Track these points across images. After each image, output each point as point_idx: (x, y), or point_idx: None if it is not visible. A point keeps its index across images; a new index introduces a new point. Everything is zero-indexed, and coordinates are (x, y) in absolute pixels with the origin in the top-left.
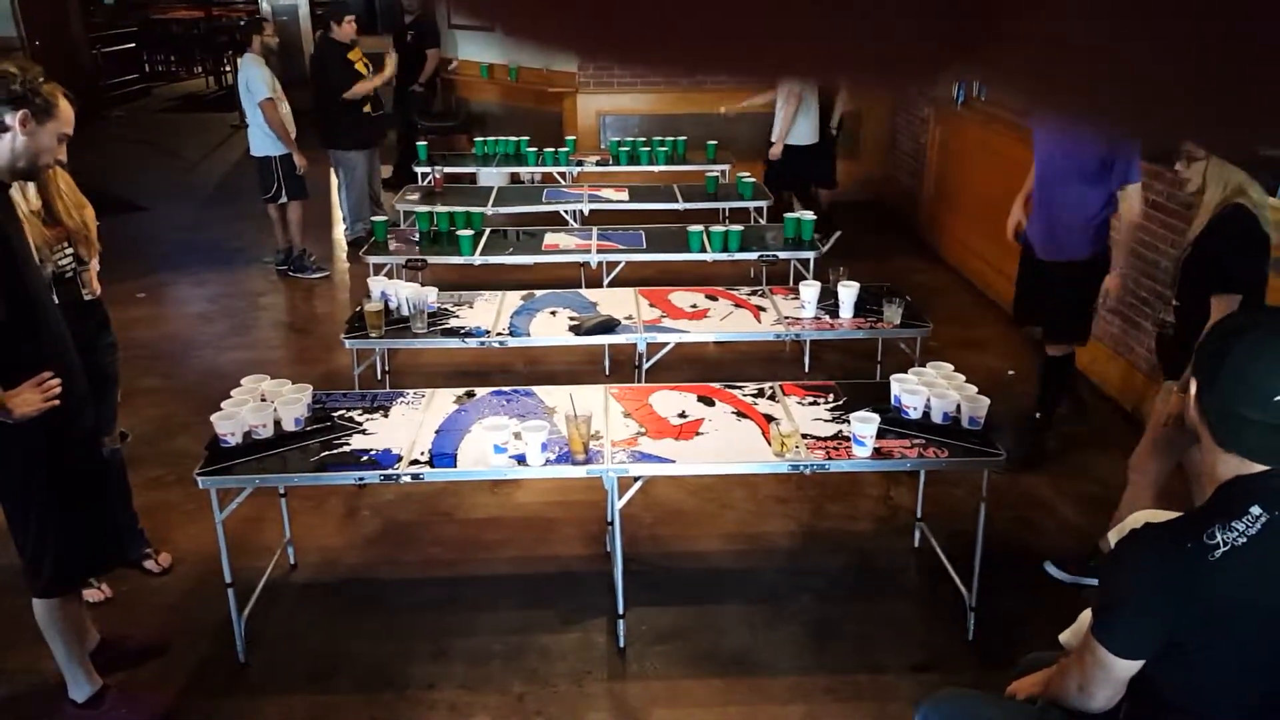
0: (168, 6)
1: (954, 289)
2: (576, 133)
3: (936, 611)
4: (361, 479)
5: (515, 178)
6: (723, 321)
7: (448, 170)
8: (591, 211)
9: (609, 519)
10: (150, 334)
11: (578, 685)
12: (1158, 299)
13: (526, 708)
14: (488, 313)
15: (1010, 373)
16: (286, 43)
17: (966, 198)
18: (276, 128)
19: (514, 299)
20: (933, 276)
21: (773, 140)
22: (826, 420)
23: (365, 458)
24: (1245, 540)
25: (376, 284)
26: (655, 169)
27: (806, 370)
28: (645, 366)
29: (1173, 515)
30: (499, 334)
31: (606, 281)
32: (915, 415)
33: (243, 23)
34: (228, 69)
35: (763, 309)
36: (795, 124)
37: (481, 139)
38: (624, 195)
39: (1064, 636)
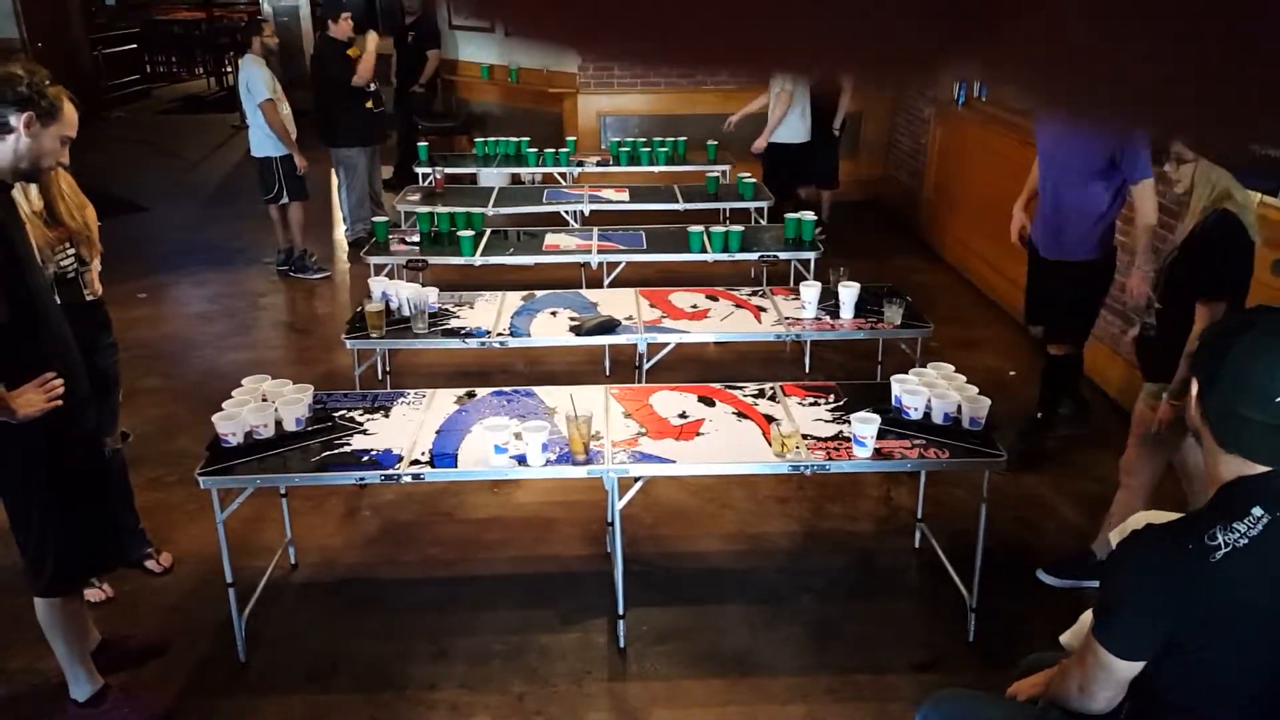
0: (169, 7)
1: (954, 289)
2: (577, 133)
3: (937, 612)
4: (362, 479)
5: (516, 178)
6: (723, 322)
7: (448, 171)
8: (592, 212)
9: (609, 519)
10: (151, 334)
11: (578, 685)
12: None
13: (526, 708)
14: (488, 313)
15: (1011, 373)
16: (287, 43)
17: (967, 198)
18: (277, 129)
19: (514, 299)
20: (933, 277)
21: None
22: (827, 421)
23: (366, 458)
24: (1246, 541)
25: (377, 284)
26: (656, 169)
27: (807, 371)
28: (646, 367)
29: (1174, 516)
30: (499, 334)
31: (607, 282)
32: (916, 416)
33: (244, 23)
34: (229, 70)
35: (763, 309)
36: (784, 122)
37: (482, 139)
38: (624, 196)
39: (1064, 638)
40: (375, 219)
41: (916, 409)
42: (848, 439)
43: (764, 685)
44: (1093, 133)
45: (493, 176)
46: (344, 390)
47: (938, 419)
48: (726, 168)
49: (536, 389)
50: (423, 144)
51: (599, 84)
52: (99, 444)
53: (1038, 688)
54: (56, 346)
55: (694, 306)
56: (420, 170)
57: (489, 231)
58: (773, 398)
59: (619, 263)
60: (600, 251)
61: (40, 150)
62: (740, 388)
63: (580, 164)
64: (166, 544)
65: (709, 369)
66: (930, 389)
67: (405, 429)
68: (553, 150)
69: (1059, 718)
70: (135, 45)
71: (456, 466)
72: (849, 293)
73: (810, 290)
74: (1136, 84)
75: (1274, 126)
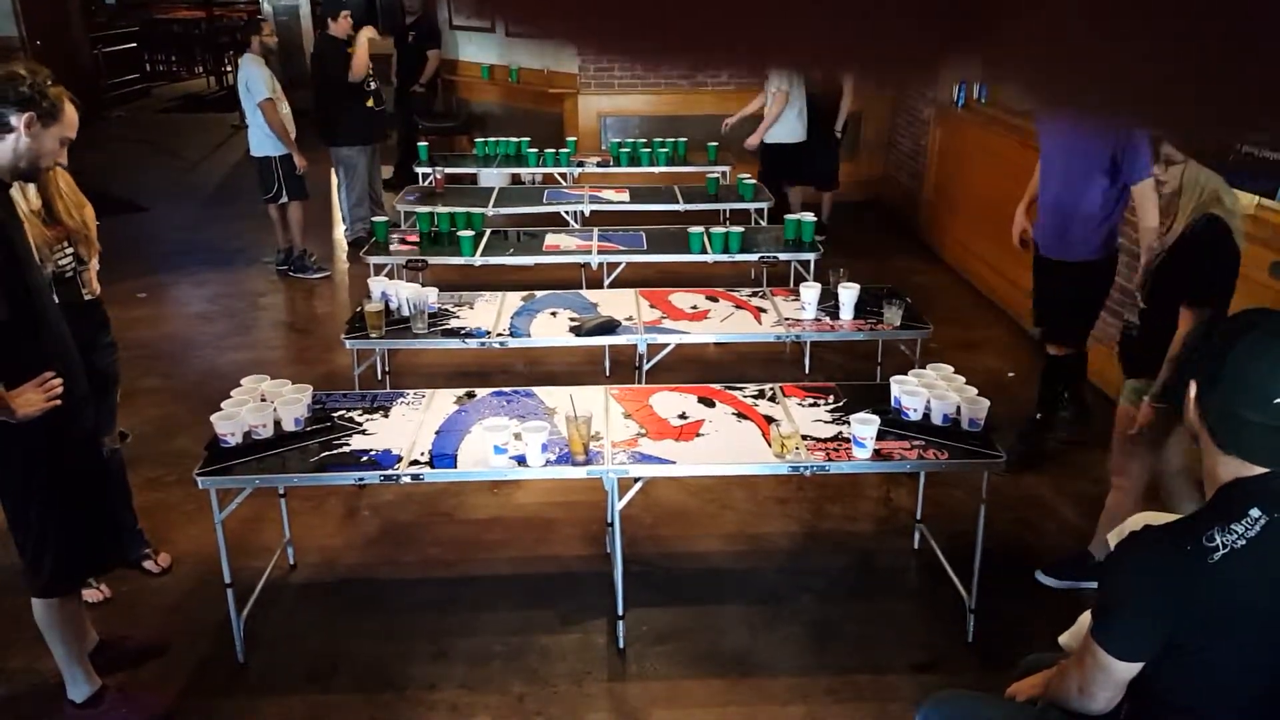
0: (169, 6)
1: (954, 290)
2: (577, 134)
3: (937, 612)
4: (361, 479)
5: (516, 178)
6: (723, 323)
7: (448, 171)
8: (592, 212)
9: (609, 520)
10: (151, 334)
11: (578, 686)
12: None
13: (526, 708)
14: (488, 313)
15: (1010, 374)
16: (287, 42)
17: (967, 199)
18: (276, 128)
19: (514, 300)
20: (933, 278)
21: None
22: (827, 422)
23: (365, 458)
24: (1244, 543)
25: (377, 284)
26: (656, 170)
27: (807, 371)
28: (646, 367)
29: (1172, 517)
30: (499, 335)
31: (607, 282)
32: (915, 417)
33: (243, 23)
34: (229, 69)
35: (763, 310)
36: (781, 121)
37: (482, 140)
38: (625, 196)
39: (1063, 638)
40: (375, 219)
41: (916, 410)
42: (847, 440)
43: (764, 685)
44: (1094, 132)
45: (493, 177)
46: (343, 390)
47: (937, 420)
48: (727, 169)
49: (536, 389)
50: (423, 144)
51: (599, 84)
52: (98, 444)
53: (1037, 688)
54: (55, 346)
55: (694, 307)
56: (420, 170)
57: (489, 232)
58: (772, 399)
59: (619, 263)
60: (600, 252)
61: (40, 150)
62: (740, 388)
63: (580, 164)
64: (165, 544)
65: (709, 370)
66: (929, 390)
67: (405, 429)
68: (553, 150)
69: (1058, 718)
70: (135, 44)
71: (456, 467)
72: (849, 294)
73: (810, 291)
74: (1136, 84)
75: (1274, 126)
